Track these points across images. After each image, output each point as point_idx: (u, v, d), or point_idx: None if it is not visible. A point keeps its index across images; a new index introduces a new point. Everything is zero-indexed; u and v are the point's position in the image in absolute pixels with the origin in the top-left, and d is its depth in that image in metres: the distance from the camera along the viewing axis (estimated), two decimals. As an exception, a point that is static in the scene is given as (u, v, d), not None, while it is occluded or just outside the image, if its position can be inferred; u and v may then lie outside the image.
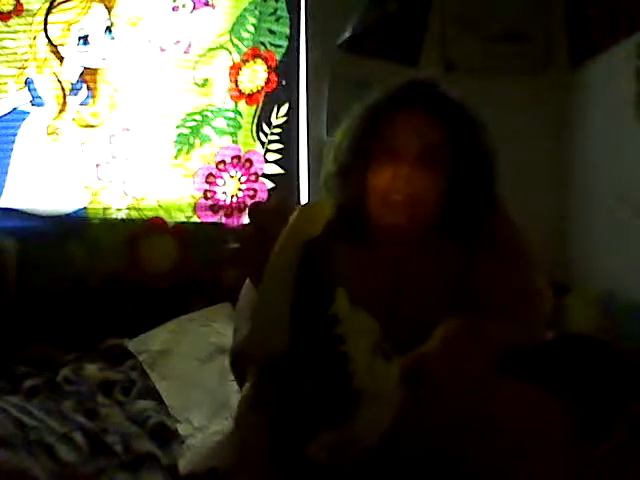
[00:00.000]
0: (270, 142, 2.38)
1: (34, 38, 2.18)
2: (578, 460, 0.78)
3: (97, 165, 2.25)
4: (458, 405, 0.73)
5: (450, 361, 0.76)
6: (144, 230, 2.28)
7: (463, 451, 0.70)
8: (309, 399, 0.62)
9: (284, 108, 2.38)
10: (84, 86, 2.23)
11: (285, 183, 2.38)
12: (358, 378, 0.63)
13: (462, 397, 0.73)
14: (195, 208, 2.34)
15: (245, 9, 2.32)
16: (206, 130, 2.33)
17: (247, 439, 0.66)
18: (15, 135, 2.20)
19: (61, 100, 2.22)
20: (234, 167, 2.36)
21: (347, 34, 2.32)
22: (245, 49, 2.33)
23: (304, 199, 2.36)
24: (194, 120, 2.32)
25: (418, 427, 0.69)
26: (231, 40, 2.32)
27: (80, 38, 2.22)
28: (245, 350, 0.65)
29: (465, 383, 0.75)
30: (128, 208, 2.28)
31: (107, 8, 2.22)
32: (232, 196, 2.37)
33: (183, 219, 2.33)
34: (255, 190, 2.39)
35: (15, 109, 2.19)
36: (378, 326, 0.68)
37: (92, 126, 2.24)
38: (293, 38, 2.37)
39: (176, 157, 2.32)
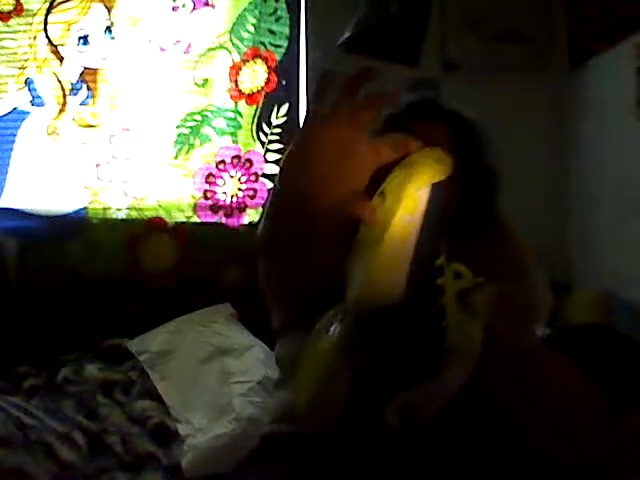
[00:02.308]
0: (270, 142, 2.38)
1: (34, 38, 2.18)
2: (610, 437, 0.78)
3: (97, 165, 2.25)
4: (515, 373, 0.71)
5: (514, 329, 0.74)
6: (144, 230, 2.28)
7: (517, 422, 0.69)
8: (406, 351, 0.59)
9: (284, 108, 2.38)
10: (84, 86, 2.23)
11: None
12: (449, 334, 0.61)
13: (519, 365, 0.72)
14: (195, 208, 2.34)
15: (245, 9, 2.32)
16: (206, 130, 2.33)
17: (332, 387, 0.64)
18: (15, 135, 2.20)
19: (61, 100, 2.22)
20: (234, 167, 2.36)
21: (347, 34, 2.32)
22: (245, 49, 2.33)
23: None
24: (194, 120, 2.32)
25: (481, 393, 0.67)
26: (231, 40, 2.32)
27: (80, 38, 2.21)
28: (358, 300, 0.61)
29: (521, 350, 0.73)
30: (128, 208, 2.28)
31: (107, 8, 2.22)
32: (232, 196, 2.37)
33: (183, 219, 2.33)
34: (255, 190, 2.39)
35: (15, 109, 2.19)
36: (471, 276, 0.65)
37: (92, 126, 2.24)
38: (293, 38, 2.36)
39: (176, 157, 2.31)
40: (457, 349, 0.62)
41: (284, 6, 2.35)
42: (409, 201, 0.58)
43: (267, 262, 0.80)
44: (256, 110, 2.36)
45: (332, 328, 0.62)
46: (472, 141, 1.03)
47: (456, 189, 0.97)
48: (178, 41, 2.28)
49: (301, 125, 0.67)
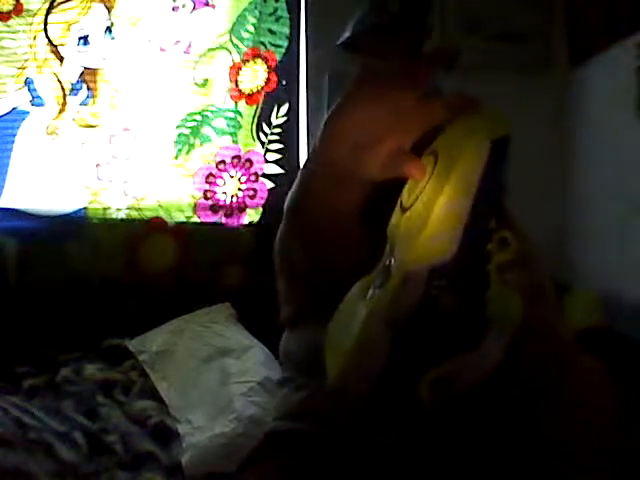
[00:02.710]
0: (270, 142, 2.38)
1: (34, 38, 2.18)
2: (628, 439, 0.77)
3: (97, 165, 2.25)
4: (551, 360, 0.69)
5: (552, 313, 0.71)
6: (144, 230, 2.28)
7: (541, 417, 0.67)
8: (448, 319, 0.56)
9: (284, 108, 2.38)
10: (84, 86, 2.23)
11: (285, 183, 2.38)
12: (491, 305, 0.58)
13: (555, 351, 0.69)
14: (195, 208, 2.34)
15: (245, 9, 2.32)
16: (206, 130, 2.33)
17: (369, 353, 0.59)
18: (15, 135, 2.20)
19: (61, 100, 2.22)
20: (234, 167, 2.36)
21: (347, 34, 2.32)
22: (245, 49, 2.33)
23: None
24: (194, 120, 2.32)
25: (515, 375, 0.64)
26: (231, 40, 2.32)
27: (80, 38, 2.22)
28: (412, 258, 0.58)
29: (558, 337, 0.70)
30: (128, 208, 2.28)
31: (107, 8, 2.22)
32: (232, 196, 2.37)
33: (183, 219, 2.33)
34: (255, 190, 2.39)
35: (15, 109, 2.19)
36: (517, 245, 0.62)
37: (92, 126, 2.24)
38: (293, 38, 2.36)
39: (176, 157, 2.31)
40: (497, 322, 0.58)
41: (284, 6, 2.34)
42: (468, 156, 0.56)
43: (289, 232, 0.75)
44: (256, 110, 2.36)
45: (370, 293, 0.59)
46: None
47: None
48: (178, 41, 2.28)
49: (351, 78, 0.65)
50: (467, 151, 0.56)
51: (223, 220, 2.36)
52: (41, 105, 2.21)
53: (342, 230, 0.67)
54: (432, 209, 0.56)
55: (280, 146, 2.38)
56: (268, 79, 2.36)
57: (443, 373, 0.57)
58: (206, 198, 2.35)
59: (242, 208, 2.37)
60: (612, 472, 0.70)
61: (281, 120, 2.38)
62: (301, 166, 0.71)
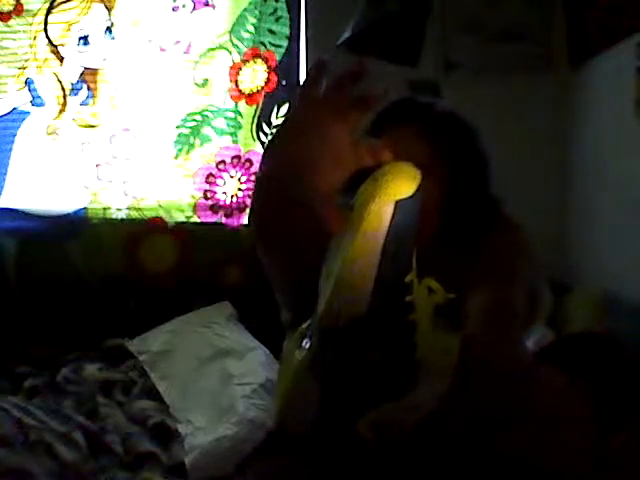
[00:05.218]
0: (270, 142, 2.38)
1: (34, 38, 2.18)
2: (600, 450, 0.77)
3: (97, 165, 2.25)
4: (502, 388, 0.70)
5: (497, 341, 0.73)
6: (144, 230, 2.28)
7: (500, 436, 0.68)
8: (374, 367, 0.59)
9: (284, 108, 2.38)
10: (84, 86, 2.23)
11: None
12: (421, 349, 0.60)
13: (507, 379, 0.70)
14: (195, 208, 2.34)
15: (245, 9, 2.32)
16: (206, 130, 2.33)
17: (300, 405, 0.63)
18: (15, 135, 2.20)
19: (61, 100, 2.22)
20: (234, 167, 2.36)
21: (347, 34, 2.32)
22: (245, 49, 2.33)
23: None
24: (194, 120, 2.32)
25: (462, 408, 0.66)
26: (231, 40, 2.32)
27: (80, 38, 2.22)
28: (324, 315, 0.61)
29: (504, 363, 0.72)
30: (128, 208, 2.28)
31: (107, 8, 2.22)
32: (232, 196, 2.37)
33: (183, 219, 2.33)
34: (255, 190, 2.38)
35: (15, 109, 2.19)
36: (443, 292, 0.65)
37: (92, 126, 2.24)
38: (293, 38, 2.36)
39: (176, 157, 2.31)
40: (430, 364, 0.61)
41: (284, 6, 2.34)
42: (372, 218, 0.58)
43: (263, 251, 0.79)
44: (256, 110, 2.36)
45: (303, 343, 0.62)
46: (455, 132, 1.00)
47: (439, 187, 0.95)
48: (178, 41, 2.28)
49: (291, 110, 0.68)
50: (371, 212, 0.58)
51: (223, 220, 2.36)
52: (41, 105, 2.21)
53: (306, 237, 0.69)
54: (341, 268, 0.59)
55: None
56: (268, 79, 2.36)
57: (381, 416, 0.60)
58: (206, 198, 2.35)
59: (242, 208, 2.37)
60: (587, 476, 0.71)
61: (281, 120, 2.38)
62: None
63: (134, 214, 2.29)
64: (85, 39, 2.22)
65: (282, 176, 0.66)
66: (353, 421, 0.59)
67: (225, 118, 2.34)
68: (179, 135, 2.31)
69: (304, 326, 0.64)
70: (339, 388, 0.59)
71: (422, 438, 0.63)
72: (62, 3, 2.18)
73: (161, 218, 2.30)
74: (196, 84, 2.31)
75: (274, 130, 2.37)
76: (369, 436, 0.60)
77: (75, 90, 2.23)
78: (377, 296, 0.58)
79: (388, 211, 0.59)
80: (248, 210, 0.79)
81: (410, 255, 0.61)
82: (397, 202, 0.59)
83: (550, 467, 0.70)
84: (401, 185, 0.60)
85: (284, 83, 2.37)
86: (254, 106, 2.36)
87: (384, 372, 0.60)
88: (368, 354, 0.59)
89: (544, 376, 0.75)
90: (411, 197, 0.60)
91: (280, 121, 2.38)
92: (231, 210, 2.36)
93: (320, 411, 0.60)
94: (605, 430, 0.80)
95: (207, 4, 2.30)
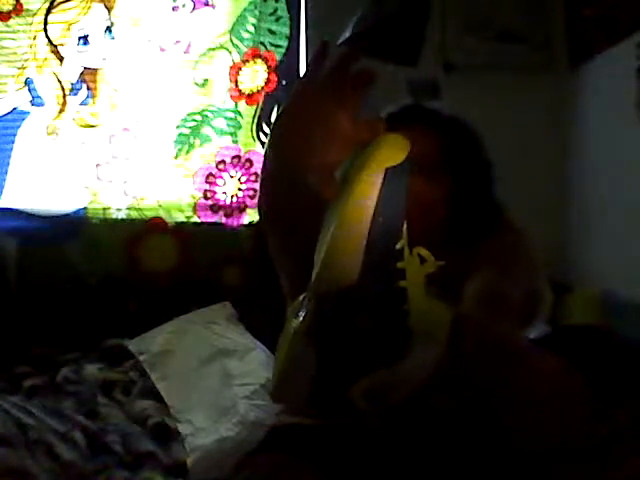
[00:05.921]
0: (270, 142, 2.38)
1: (34, 38, 2.18)
2: (591, 436, 0.78)
3: (97, 165, 2.25)
4: (493, 367, 0.71)
5: (490, 320, 0.74)
6: (144, 230, 2.28)
7: (491, 414, 0.69)
8: (366, 334, 0.60)
9: (284, 108, 2.37)
10: (84, 86, 2.23)
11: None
12: (413, 317, 0.61)
13: (498, 359, 0.72)
14: (195, 208, 2.34)
15: (245, 9, 2.32)
16: (206, 130, 2.33)
17: (297, 373, 0.65)
18: (15, 135, 2.20)
19: (61, 100, 2.22)
20: (234, 167, 2.36)
21: (347, 34, 2.32)
22: (245, 49, 2.33)
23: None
24: (194, 120, 2.32)
25: (453, 383, 0.67)
26: (231, 40, 2.32)
27: (80, 38, 2.22)
28: (317, 281, 0.62)
29: (504, 339, 0.73)
30: (128, 208, 2.28)
31: (107, 8, 2.22)
32: (232, 196, 2.37)
33: (183, 219, 2.33)
34: (255, 190, 2.39)
35: (15, 109, 2.19)
36: (434, 260, 0.66)
37: (92, 126, 2.24)
38: (293, 38, 2.36)
39: (176, 157, 2.32)
40: (423, 332, 0.62)
41: (284, 6, 2.34)
42: (362, 185, 0.60)
43: (268, 230, 0.81)
44: (256, 110, 2.36)
45: (301, 312, 0.63)
46: (458, 136, 1.02)
47: (443, 190, 0.95)
48: (178, 41, 2.28)
49: (291, 92, 0.69)
50: (361, 181, 0.60)
51: (223, 220, 2.36)
52: (41, 105, 2.21)
53: (315, 222, 0.71)
54: (332, 235, 0.60)
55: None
56: (268, 79, 2.36)
57: (374, 384, 0.60)
58: (206, 198, 2.35)
59: (242, 208, 2.37)
60: (579, 461, 0.71)
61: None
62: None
63: (134, 214, 2.29)
64: (85, 39, 2.22)
65: (288, 166, 0.68)
66: (348, 388, 0.60)
67: (225, 118, 2.34)
68: (179, 135, 2.31)
69: (300, 298, 0.65)
70: (334, 354, 0.60)
71: (416, 409, 0.63)
72: (62, 3, 2.18)
73: (161, 218, 2.30)
74: (196, 84, 2.31)
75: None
76: (361, 404, 0.61)
77: (75, 90, 2.23)
78: (368, 262, 0.59)
79: (378, 178, 0.60)
80: (257, 196, 0.81)
81: (400, 222, 0.62)
82: (387, 170, 0.60)
83: (548, 445, 0.71)
84: (390, 153, 0.61)
85: (284, 83, 2.37)
86: (254, 106, 2.36)
87: (376, 339, 0.60)
88: (360, 320, 0.60)
89: (540, 356, 0.76)
90: (401, 165, 0.61)
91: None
92: (231, 210, 2.37)
93: (317, 378, 0.61)
94: (604, 408, 0.81)
95: (207, 4, 2.30)
